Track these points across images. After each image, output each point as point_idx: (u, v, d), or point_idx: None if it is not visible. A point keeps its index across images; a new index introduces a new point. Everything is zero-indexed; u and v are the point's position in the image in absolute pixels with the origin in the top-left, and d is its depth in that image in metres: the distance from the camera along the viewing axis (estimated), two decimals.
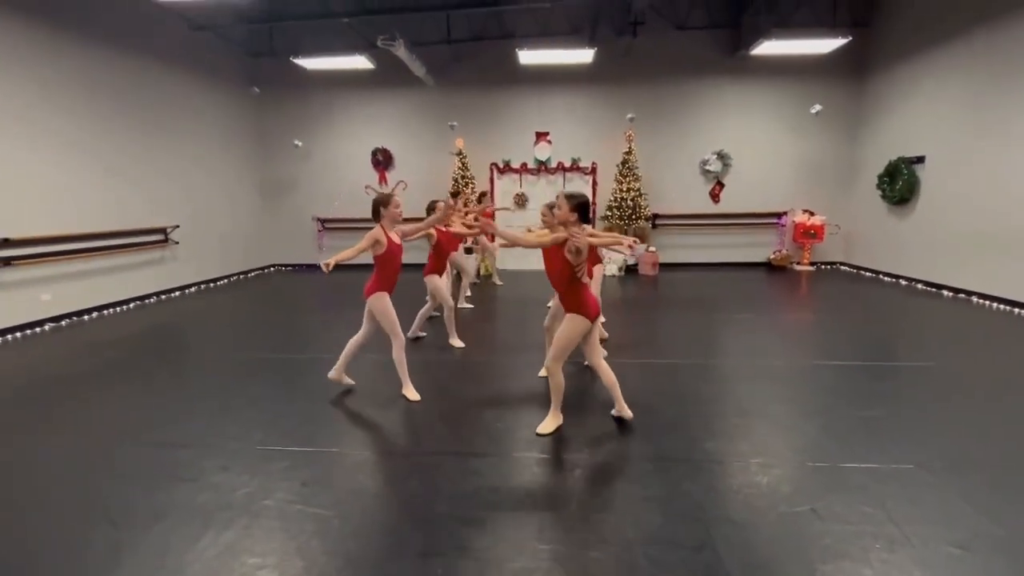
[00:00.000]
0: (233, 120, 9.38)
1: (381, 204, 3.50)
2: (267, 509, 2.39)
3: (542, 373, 4.05)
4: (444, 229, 4.90)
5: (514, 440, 3.05)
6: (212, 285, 8.63)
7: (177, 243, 7.89)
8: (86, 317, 6.36)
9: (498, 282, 8.42)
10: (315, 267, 10.40)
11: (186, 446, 3.03)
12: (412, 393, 3.66)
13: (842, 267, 9.61)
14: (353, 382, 3.85)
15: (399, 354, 3.62)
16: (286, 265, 10.58)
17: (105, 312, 6.63)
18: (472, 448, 2.96)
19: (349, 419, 3.42)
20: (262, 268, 10.22)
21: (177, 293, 7.88)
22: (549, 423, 3.14)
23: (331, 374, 3.76)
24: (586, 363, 4.13)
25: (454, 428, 3.22)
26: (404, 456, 2.91)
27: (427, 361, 4.54)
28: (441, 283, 4.86)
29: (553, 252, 2.94)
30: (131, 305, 7.03)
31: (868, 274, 8.80)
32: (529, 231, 4.53)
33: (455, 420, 3.34)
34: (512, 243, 3.08)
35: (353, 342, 3.69)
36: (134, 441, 3.11)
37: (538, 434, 3.09)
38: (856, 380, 3.96)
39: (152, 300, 7.40)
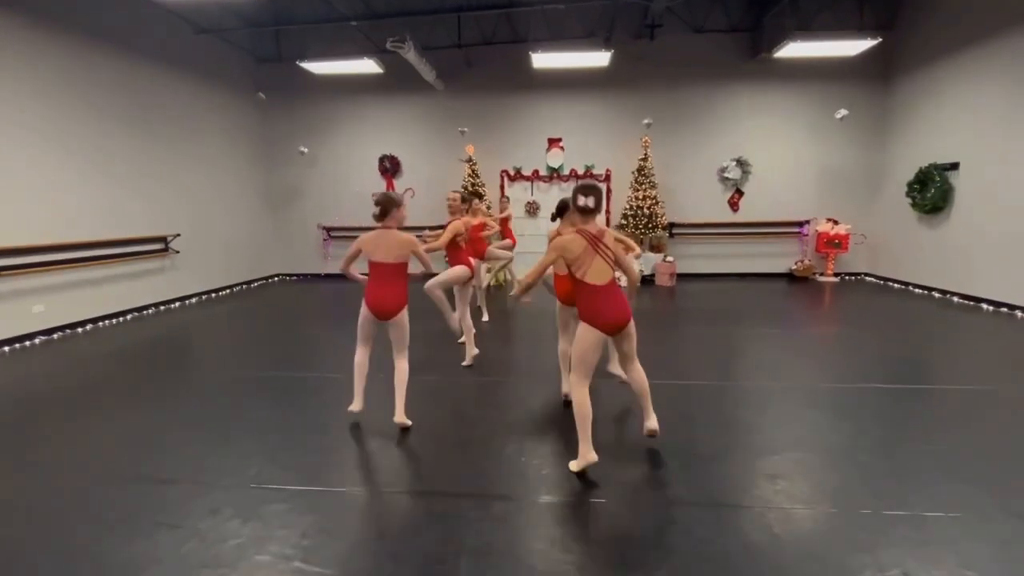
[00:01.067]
0: (237, 126, 9.15)
1: (396, 205, 3.17)
2: (259, 567, 2.04)
3: (566, 389, 3.67)
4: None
5: (541, 479, 2.70)
6: (214, 296, 8.35)
7: (178, 252, 7.62)
8: (80, 330, 6.08)
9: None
10: (320, 276, 10.11)
11: (174, 482, 2.69)
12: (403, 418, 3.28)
13: (867, 278, 9.23)
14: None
15: (406, 375, 3.29)
16: (290, 275, 10.30)
17: (100, 324, 6.34)
18: (495, 489, 2.61)
19: (358, 451, 3.08)
20: (266, 278, 9.94)
21: (177, 304, 7.59)
22: (583, 458, 2.79)
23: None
24: (611, 372, 3.80)
25: (474, 463, 2.88)
26: (420, 498, 2.56)
27: (446, 383, 4.20)
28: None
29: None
30: (128, 317, 6.75)
31: (896, 285, 8.41)
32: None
33: (475, 453, 2.99)
34: (531, 281, 2.81)
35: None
36: (117, 476, 2.78)
37: (572, 471, 2.73)
38: (910, 405, 3.59)
39: (151, 312, 7.11)
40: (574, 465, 2.73)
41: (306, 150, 9.51)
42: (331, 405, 3.63)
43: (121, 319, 6.63)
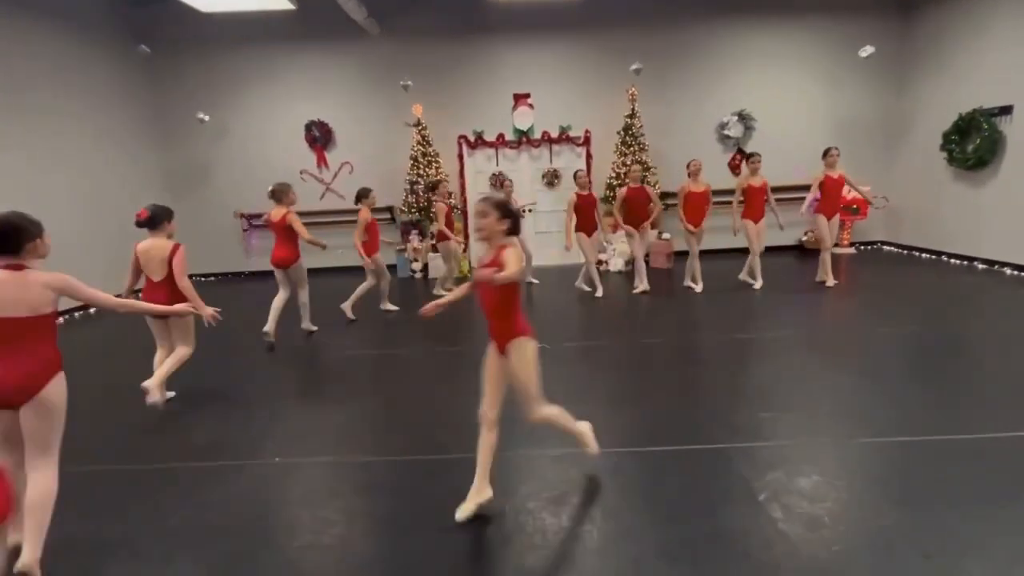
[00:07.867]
0: (117, 90, 7.11)
1: None
2: None
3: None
4: None
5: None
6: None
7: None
8: None
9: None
10: (242, 275, 8.30)
11: None
12: None
13: (885, 247, 8.10)
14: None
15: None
16: (206, 275, 8.42)
17: None
18: None
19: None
20: None
21: (62, 319, 5.72)
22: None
23: None
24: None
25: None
26: None
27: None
28: None
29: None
30: None
31: (925, 255, 7.28)
32: None
33: None
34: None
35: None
36: None
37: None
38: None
39: None
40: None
41: (207, 117, 7.50)
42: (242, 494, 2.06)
43: None
